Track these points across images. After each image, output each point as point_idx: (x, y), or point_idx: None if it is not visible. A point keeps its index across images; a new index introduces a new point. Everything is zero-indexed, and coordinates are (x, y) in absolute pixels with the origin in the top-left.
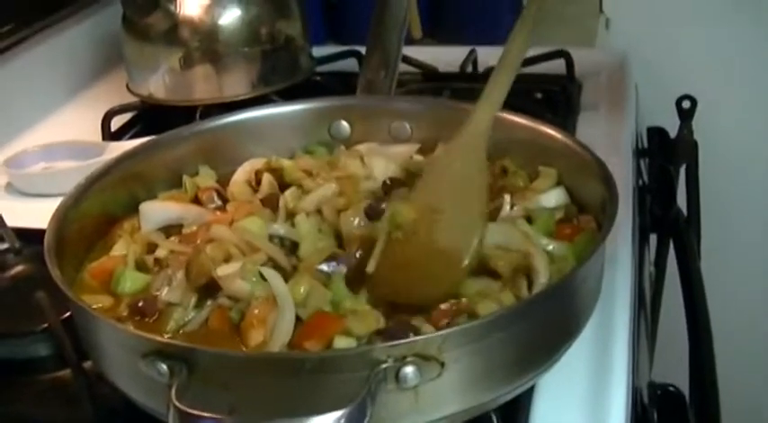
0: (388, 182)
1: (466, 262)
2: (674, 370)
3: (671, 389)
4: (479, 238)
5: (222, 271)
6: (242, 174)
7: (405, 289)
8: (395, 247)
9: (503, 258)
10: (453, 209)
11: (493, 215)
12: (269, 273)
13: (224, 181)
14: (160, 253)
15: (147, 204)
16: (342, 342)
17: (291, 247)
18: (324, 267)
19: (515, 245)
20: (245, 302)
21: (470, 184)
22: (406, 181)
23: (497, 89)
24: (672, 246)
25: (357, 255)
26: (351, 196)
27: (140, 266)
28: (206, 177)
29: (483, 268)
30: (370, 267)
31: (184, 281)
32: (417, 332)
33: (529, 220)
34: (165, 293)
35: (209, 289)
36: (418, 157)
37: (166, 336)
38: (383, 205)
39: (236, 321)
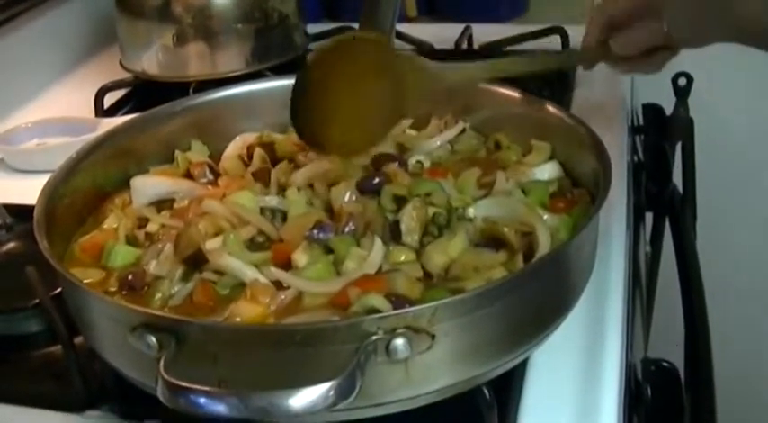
0: (377, 156)
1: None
2: (671, 347)
3: (665, 364)
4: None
5: (211, 245)
6: (234, 148)
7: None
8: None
9: (509, 226)
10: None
11: (487, 189)
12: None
13: (216, 156)
14: (151, 227)
15: (138, 179)
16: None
17: (283, 221)
18: (314, 234)
19: (520, 217)
20: (230, 276)
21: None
22: (398, 155)
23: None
24: (668, 224)
25: (346, 229)
26: (342, 171)
27: (131, 241)
28: (198, 152)
29: (486, 239)
30: None
31: (172, 254)
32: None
33: (522, 193)
34: (152, 267)
35: (196, 262)
36: (411, 132)
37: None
38: (376, 180)
39: (223, 295)
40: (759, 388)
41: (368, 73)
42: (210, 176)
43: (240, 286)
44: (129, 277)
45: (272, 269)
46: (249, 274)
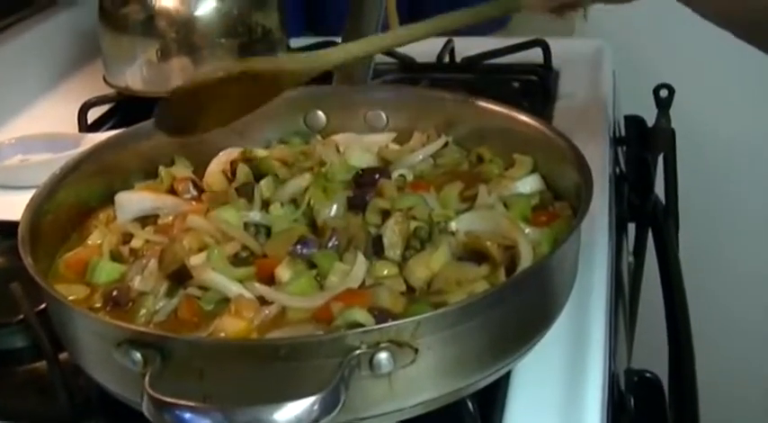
0: (360, 172)
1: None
2: (654, 358)
3: (648, 375)
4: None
5: (195, 261)
6: (217, 164)
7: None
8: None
9: (491, 240)
10: None
11: (469, 203)
12: None
13: (200, 172)
14: (135, 243)
15: (122, 194)
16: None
17: (267, 237)
18: (297, 250)
19: (502, 231)
20: (215, 292)
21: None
22: (383, 169)
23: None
24: (650, 235)
25: (330, 244)
26: (326, 186)
27: (115, 257)
28: (181, 168)
29: (469, 253)
30: None
31: (156, 269)
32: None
33: (504, 206)
34: (137, 282)
35: (180, 277)
36: (394, 146)
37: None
38: (369, 196)
39: (207, 311)
40: (743, 397)
41: (232, 96)
42: (194, 192)
43: (224, 302)
44: (114, 293)
45: (256, 285)
46: (233, 289)
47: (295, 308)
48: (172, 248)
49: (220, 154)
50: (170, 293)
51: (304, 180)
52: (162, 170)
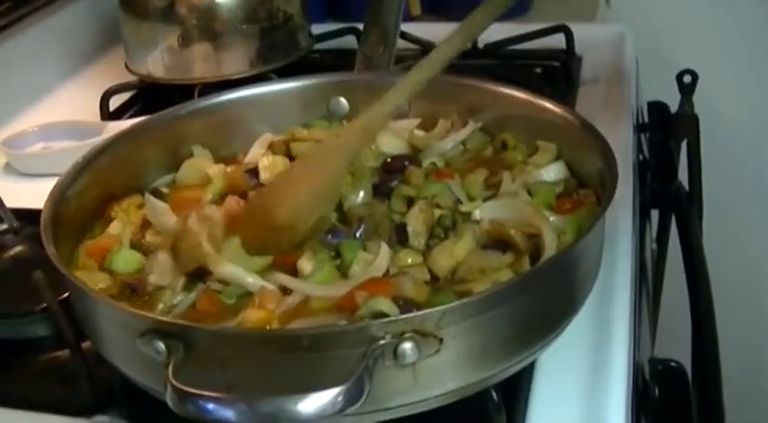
0: (388, 159)
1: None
2: (678, 346)
3: (672, 364)
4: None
5: (208, 248)
6: (259, 149)
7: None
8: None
9: (515, 228)
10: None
11: (494, 190)
12: None
13: (222, 160)
14: (150, 236)
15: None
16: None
17: None
18: (328, 239)
19: (526, 219)
20: (236, 286)
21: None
22: (412, 156)
23: (399, 92)
24: (674, 221)
25: (357, 234)
26: (354, 171)
27: (136, 246)
28: (202, 158)
29: (493, 241)
30: None
31: (172, 264)
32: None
33: (528, 194)
34: (153, 277)
35: (200, 274)
36: (419, 132)
37: None
38: (395, 182)
39: (228, 304)
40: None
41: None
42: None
43: (246, 296)
44: (132, 284)
45: (278, 274)
46: (252, 281)
47: (318, 297)
48: (185, 244)
49: (260, 139)
50: (188, 288)
51: None
52: (210, 169)
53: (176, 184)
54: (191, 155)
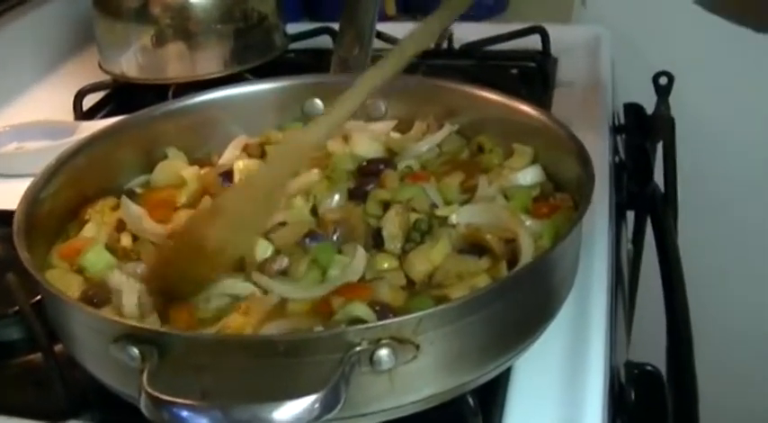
0: (364, 163)
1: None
2: (651, 348)
3: (648, 368)
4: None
5: None
6: (232, 152)
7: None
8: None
9: (492, 233)
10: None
11: (470, 193)
12: None
13: (198, 162)
14: (125, 241)
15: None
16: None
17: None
18: (306, 242)
19: (503, 224)
20: (218, 297)
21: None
22: (387, 159)
23: (339, 109)
24: (649, 223)
25: (335, 236)
26: (331, 176)
27: (111, 249)
28: (176, 159)
29: (469, 245)
30: None
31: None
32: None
33: (505, 198)
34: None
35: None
36: (395, 135)
37: None
38: (370, 186)
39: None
40: (742, 389)
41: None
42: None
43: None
44: (91, 293)
45: (256, 274)
46: (241, 287)
47: (295, 299)
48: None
49: (234, 141)
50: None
51: (312, 176)
52: (184, 171)
53: (150, 185)
54: (165, 156)
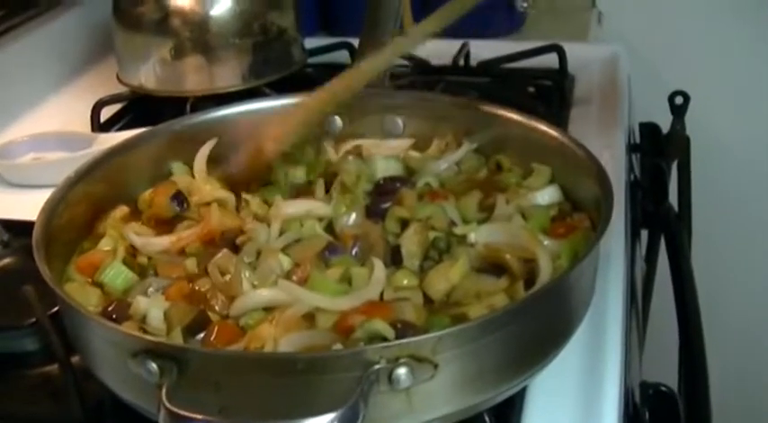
0: (381, 182)
1: None
2: (664, 367)
3: (663, 388)
4: None
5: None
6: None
7: None
8: None
9: (510, 252)
10: None
11: (488, 212)
12: None
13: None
14: (141, 259)
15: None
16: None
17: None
18: (326, 255)
19: (521, 244)
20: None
21: None
22: (405, 178)
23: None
24: (663, 241)
25: (354, 250)
26: (347, 196)
27: (128, 264)
28: (181, 174)
29: (487, 264)
30: None
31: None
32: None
33: (522, 217)
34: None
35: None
36: (413, 153)
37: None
38: (387, 204)
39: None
40: (758, 407)
41: None
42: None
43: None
44: (113, 313)
45: (283, 282)
46: (267, 294)
47: (324, 312)
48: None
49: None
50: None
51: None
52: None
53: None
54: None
